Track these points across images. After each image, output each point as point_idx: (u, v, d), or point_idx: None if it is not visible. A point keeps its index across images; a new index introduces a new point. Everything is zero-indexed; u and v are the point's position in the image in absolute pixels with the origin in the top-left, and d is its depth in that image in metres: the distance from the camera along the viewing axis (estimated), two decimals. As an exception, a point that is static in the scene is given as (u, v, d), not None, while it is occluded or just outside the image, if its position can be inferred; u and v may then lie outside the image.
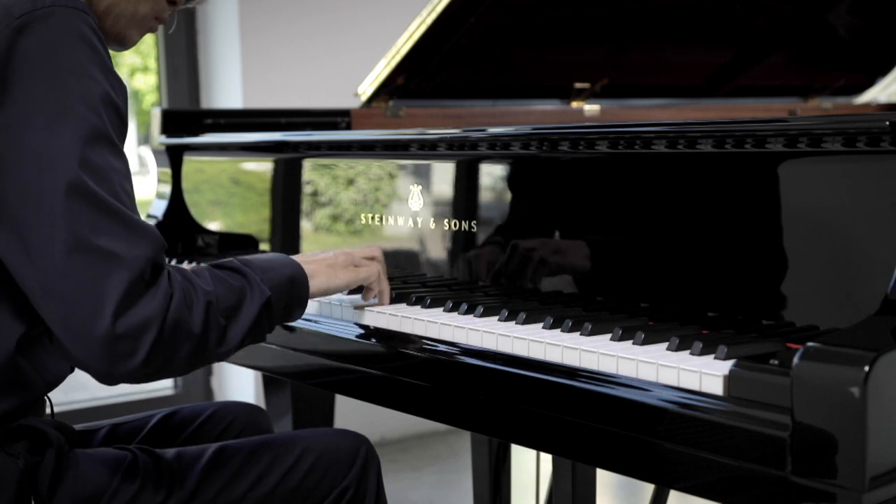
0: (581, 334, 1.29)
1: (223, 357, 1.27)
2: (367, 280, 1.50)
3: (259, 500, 1.39)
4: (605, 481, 3.17)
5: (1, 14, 1.18)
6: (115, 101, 1.21)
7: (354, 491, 1.44)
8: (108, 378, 1.17)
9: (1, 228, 1.17)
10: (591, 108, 2.59)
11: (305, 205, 1.92)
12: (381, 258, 1.54)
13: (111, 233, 1.14)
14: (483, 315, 1.43)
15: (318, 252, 1.49)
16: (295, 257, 1.41)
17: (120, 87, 1.23)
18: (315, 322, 1.61)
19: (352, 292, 1.63)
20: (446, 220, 1.62)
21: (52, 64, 1.16)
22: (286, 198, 1.97)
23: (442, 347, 1.39)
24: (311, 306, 1.63)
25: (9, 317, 1.23)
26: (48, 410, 1.39)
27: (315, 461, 1.43)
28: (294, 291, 1.35)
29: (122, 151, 1.21)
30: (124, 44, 1.40)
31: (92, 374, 1.16)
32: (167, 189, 2.24)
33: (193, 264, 1.63)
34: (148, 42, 3.75)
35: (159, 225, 2.21)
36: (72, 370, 1.34)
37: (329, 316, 1.60)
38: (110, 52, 1.33)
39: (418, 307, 1.52)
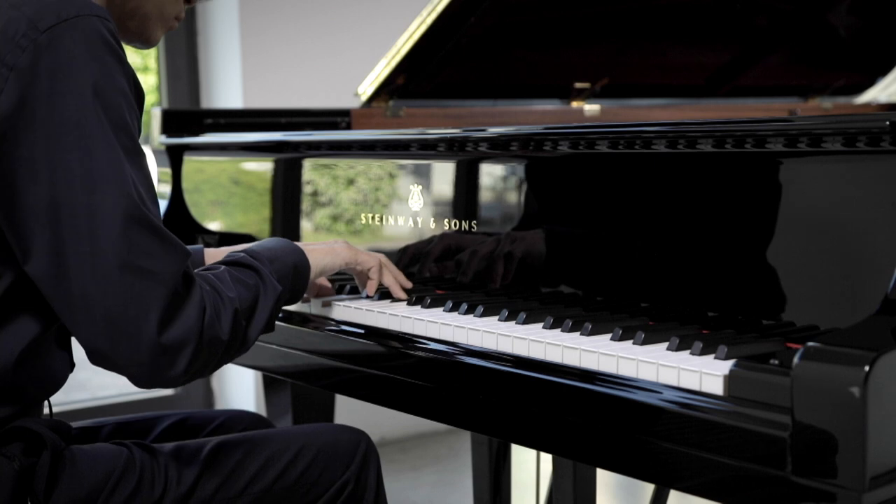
0: (581, 334, 1.29)
1: (243, 353, 1.33)
2: (365, 263, 1.56)
3: (258, 496, 1.39)
4: (605, 481, 3.17)
5: (26, 27, 1.15)
6: (138, 111, 1.24)
7: (354, 485, 1.45)
8: (148, 384, 1.22)
9: (33, 242, 1.17)
10: (591, 108, 2.59)
11: (305, 205, 1.92)
12: (383, 259, 1.59)
13: (153, 252, 1.18)
14: (483, 315, 1.43)
15: (319, 242, 1.55)
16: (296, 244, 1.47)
17: (142, 92, 1.26)
18: (317, 322, 1.61)
19: (353, 291, 1.64)
20: (446, 220, 1.62)
21: (81, 79, 1.15)
22: (286, 198, 1.97)
23: (442, 347, 1.40)
24: (313, 306, 1.64)
25: (26, 319, 1.24)
26: (46, 410, 1.39)
27: (314, 456, 1.43)
28: (298, 279, 1.43)
29: (146, 161, 1.24)
30: (149, 42, 1.42)
31: (134, 381, 1.21)
32: (167, 189, 2.24)
33: (200, 246, 1.66)
34: (148, 42, 3.75)
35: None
36: (69, 372, 1.35)
37: (330, 316, 1.60)
38: (135, 49, 1.41)
39: (418, 307, 1.52)
